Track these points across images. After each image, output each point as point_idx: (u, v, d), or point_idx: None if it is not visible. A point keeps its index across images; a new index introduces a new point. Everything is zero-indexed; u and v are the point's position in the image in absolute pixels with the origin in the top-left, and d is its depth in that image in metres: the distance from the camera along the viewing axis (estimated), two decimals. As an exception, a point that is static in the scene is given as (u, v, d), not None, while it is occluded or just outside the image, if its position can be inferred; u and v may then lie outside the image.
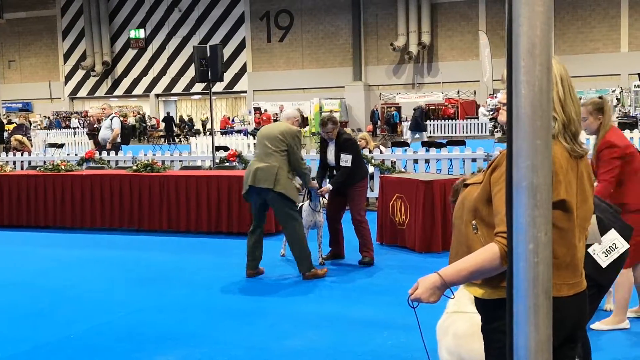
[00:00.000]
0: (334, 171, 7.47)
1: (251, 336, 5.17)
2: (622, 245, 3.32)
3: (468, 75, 37.00)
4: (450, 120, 34.41)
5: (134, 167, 10.29)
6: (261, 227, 6.96)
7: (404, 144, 15.68)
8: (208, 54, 11.61)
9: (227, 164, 11.81)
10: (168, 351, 4.88)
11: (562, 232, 2.15)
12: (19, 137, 15.50)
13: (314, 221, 7.39)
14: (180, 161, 12.79)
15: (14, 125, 21.28)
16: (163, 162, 11.74)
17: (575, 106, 2.24)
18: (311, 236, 7.63)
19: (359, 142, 10.03)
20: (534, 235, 1.26)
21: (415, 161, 11.76)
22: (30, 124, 35.07)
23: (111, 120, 14.28)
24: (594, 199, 2.35)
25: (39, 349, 5.04)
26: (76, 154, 14.38)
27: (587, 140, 9.78)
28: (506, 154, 1.29)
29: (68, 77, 47.03)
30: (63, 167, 10.64)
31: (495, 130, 27.54)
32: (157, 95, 46.23)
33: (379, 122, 38.04)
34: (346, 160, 7.26)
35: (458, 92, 38.21)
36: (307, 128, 37.94)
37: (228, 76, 39.52)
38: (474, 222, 2.27)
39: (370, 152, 11.46)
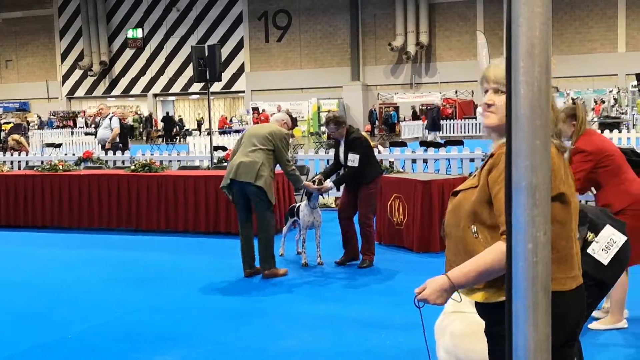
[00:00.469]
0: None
1: (248, 336, 5.17)
2: (620, 239, 3.34)
3: (466, 75, 37.05)
4: (448, 120, 34.45)
5: (132, 167, 10.28)
6: (248, 224, 6.94)
7: (402, 144, 15.70)
8: (206, 54, 11.60)
9: (225, 163, 11.81)
10: (166, 351, 4.88)
11: (562, 225, 2.19)
12: (16, 136, 15.49)
13: (311, 221, 7.33)
14: (178, 161, 12.78)
15: (11, 124, 21.27)
16: (161, 162, 11.74)
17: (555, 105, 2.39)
18: (309, 236, 7.64)
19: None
20: (533, 234, 1.26)
21: (414, 161, 11.79)
22: (29, 124, 35.06)
23: (110, 119, 14.27)
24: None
25: (37, 349, 5.04)
26: (74, 154, 14.36)
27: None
28: (505, 154, 1.29)
29: (65, 77, 47.00)
30: (61, 167, 10.63)
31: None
32: (155, 95, 46.22)
33: (377, 122, 38.08)
34: (353, 160, 7.10)
35: (456, 92, 38.25)
36: (305, 128, 37.98)
37: (226, 76, 39.53)
38: (473, 226, 2.27)
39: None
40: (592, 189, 5.01)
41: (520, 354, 1.28)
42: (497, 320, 2.23)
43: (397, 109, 38.12)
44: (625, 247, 3.37)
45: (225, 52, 39.53)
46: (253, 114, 37.46)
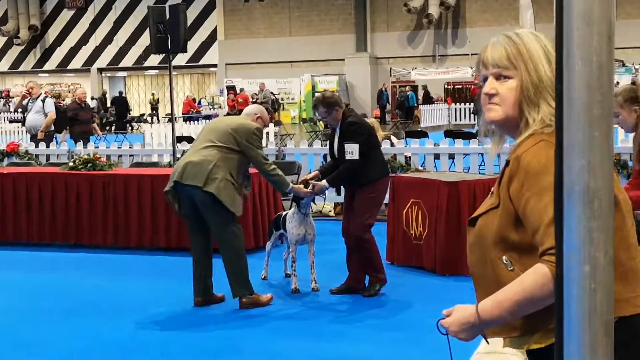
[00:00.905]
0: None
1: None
2: None
3: (504, 45, 37.03)
4: (481, 104, 34.50)
5: (71, 164, 10.27)
6: (201, 239, 6.93)
7: (422, 134, 15.69)
8: (167, 17, 11.60)
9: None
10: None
11: (618, 231, 2.15)
12: None
13: (302, 234, 7.28)
14: (130, 156, 12.78)
15: None
16: (108, 157, 11.72)
17: None
18: (300, 254, 7.57)
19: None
20: (591, 255, 1.25)
21: (437, 156, 11.77)
22: None
23: (43, 102, 14.26)
24: None
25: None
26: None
27: (626, 136, 9.87)
28: (555, 150, 1.28)
29: (-16, 46, 47.01)
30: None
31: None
32: (101, 70, 46.20)
33: (388, 106, 38.12)
34: (351, 151, 6.97)
35: (492, 67, 38.30)
36: (295, 113, 37.96)
37: (193, 46, 39.53)
38: (504, 257, 2.27)
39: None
40: None
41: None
42: None
43: (415, 88, 38.18)
44: None
45: (191, 14, 39.50)
46: (228, 94, 37.34)
